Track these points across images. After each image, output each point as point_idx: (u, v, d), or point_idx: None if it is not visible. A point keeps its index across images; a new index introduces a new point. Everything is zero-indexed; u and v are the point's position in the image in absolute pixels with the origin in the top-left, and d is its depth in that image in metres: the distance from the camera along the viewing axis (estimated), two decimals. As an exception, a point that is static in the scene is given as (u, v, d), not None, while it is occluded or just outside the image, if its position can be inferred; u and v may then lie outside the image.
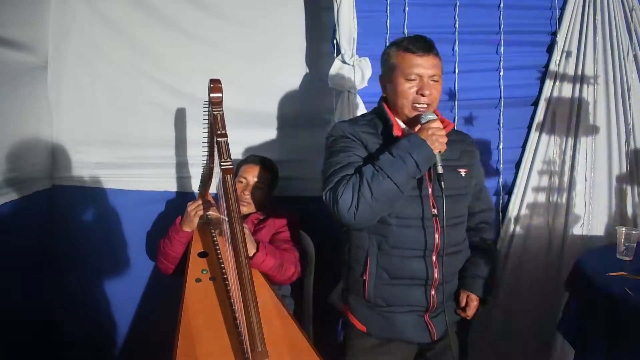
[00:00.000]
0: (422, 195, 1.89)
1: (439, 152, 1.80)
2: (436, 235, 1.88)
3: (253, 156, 2.62)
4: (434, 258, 1.90)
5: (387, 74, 1.95)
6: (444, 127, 1.89)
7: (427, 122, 1.82)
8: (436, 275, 1.90)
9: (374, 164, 1.79)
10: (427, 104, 1.87)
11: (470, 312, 2.02)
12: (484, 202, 2.17)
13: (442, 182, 1.79)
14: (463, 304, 2.03)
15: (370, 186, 1.75)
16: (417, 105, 1.87)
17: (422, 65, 1.86)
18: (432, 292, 1.92)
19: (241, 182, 2.51)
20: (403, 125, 1.95)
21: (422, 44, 1.87)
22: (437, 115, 1.87)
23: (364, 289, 1.96)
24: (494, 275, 2.14)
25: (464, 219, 2.05)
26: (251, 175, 2.51)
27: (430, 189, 1.90)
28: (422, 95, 1.86)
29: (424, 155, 1.76)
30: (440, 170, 1.80)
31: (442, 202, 1.82)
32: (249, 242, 2.07)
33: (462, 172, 1.98)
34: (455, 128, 2.15)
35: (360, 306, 2.04)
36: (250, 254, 2.07)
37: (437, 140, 1.78)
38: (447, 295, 1.96)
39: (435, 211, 1.89)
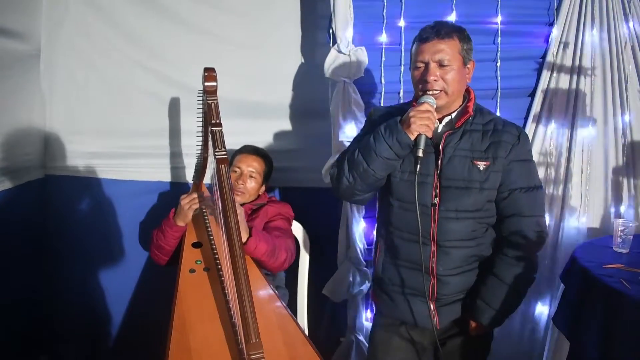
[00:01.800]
0: (424, 182, 1.87)
1: (422, 135, 1.78)
2: (433, 225, 1.88)
3: (247, 146, 2.60)
4: (433, 247, 1.90)
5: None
6: (463, 115, 1.91)
7: (418, 104, 1.82)
8: (434, 265, 1.90)
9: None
10: (438, 90, 1.84)
11: (471, 332, 1.98)
12: (515, 206, 1.93)
13: (419, 166, 1.79)
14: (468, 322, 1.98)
15: (348, 163, 1.88)
16: (428, 92, 1.85)
17: (426, 51, 1.84)
18: (433, 281, 1.92)
19: (235, 171, 2.50)
20: None
21: (430, 30, 1.85)
22: (442, 101, 1.86)
23: (375, 266, 2.06)
24: (511, 302, 1.94)
25: (477, 215, 1.91)
26: (245, 165, 2.50)
27: (436, 178, 1.88)
28: (426, 81, 1.84)
29: (395, 138, 1.78)
30: (419, 153, 1.78)
31: (415, 189, 1.80)
32: (243, 227, 2.06)
33: (481, 164, 1.88)
34: (502, 118, 2.02)
35: (376, 283, 2.11)
36: (243, 240, 2.06)
37: (414, 122, 1.76)
38: (454, 288, 1.94)
39: (436, 200, 1.87)
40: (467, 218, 1.90)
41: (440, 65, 1.83)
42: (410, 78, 1.95)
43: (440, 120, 1.93)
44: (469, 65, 1.92)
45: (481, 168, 1.88)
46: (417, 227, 1.84)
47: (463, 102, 1.96)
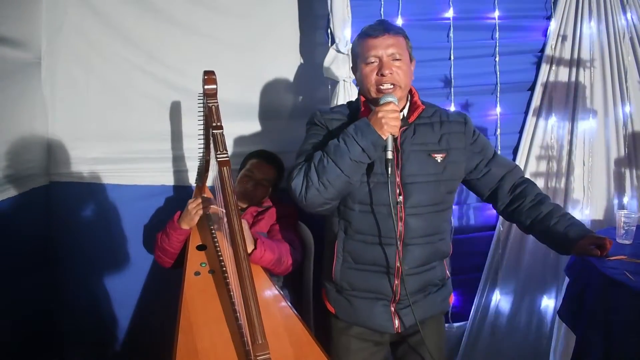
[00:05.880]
0: (386, 182, 1.80)
1: (392, 135, 1.76)
2: (400, 224, 1.84)
3: (263, 152, 2.61)
4: (399, 246, 1.85)
5: (354, 64, 1.96)
6: (415, 110, 1.89)
7: (382, 104, 1.78)
8: (399, 264, 1.86)
9: (323, 149, 1.82)
10: (392, 84, 1.83)
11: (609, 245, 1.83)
12: (503, 166, 2.02)
13: (389, 168, 1.76)
14: (596, 247, 1.82)
15: (317, 170, 1.79)
16: (382, 87, 1.83)
17: (378, 46, 1.83)
18: (396, 282, 1.88)
19: (248, 176, 2.50)
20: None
21: (378, 26, 1.86)
22: (396, 97, 1.82)
23: (332, 271, 1.97)
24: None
25: (444, 207, 1.94)
26: (259, 171, 2.51)
27: (398, 176, 1.84)
28: (382, 75, 1.82)
29: (369, 140, 1.74)
30: (389, 155, 1.76)
31: (388, 191, 1.77)
32: (247, 239, 2.05)
33: (438, 157, 1.89)
34: (448, 109, 2.07)
35: (331, 288, 2.04)
36: (248, 251, 2.05)
37: (386, 123, 1.73)
38: (417, 286, 1.92)
39: (400, 198, 1.84)
40: (429, 212, 1.89)
41: (393, 59, 1.83)
42: (360, 77, 1.90)
43: None
44: (412, 64, 1.93)
45: (439, 160, 1.88)
46: (382, 228, 1.85)
47: (406, 99, 1.95)
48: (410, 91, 1.96)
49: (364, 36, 1.87)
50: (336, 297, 2.02)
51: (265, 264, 2.13)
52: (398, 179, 1.85)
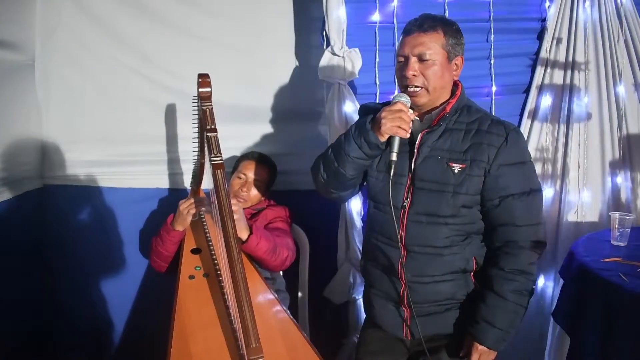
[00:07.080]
0: (398, 183, 1.80)
1: (396, 137, 1.71)
2: (401, 228, 1.80)
3: (254, 153, 2.61)
4: (402, 252, 1.81)
5: None
6: (441, 112, 1.80)
7: (391, 103, 1.74)
8: (400, 269, 1.82)
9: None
10: (419, 86, 1.74)
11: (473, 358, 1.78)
12: (508, 215, 1.76)
13: (392, 169, 1.72)
14: (464, 353, 1.82)
15: (323, 160, 1.88)
16: (408, 87, 1.75)
17: (406, 45, 1.75)
18: (403, 287, 1.83)
19: (240, 178, 2.51)
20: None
21: (414, 22, 1.76)
22: (424, 100, 1.76)
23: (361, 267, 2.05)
24: (514, 318, 1.75)
25: (450, 221, 1.77)
26: (251, 172, 2.51)
27: (408, 180, 1.80)
28: (405, 76, 1.74)
29: (363, 138, 1.74)
30: (393, 157, 1.72)
31: (389, 192, 1.72)
32: (243, 226, 2.08)
33: (457, 167, 1.74)
34: (492, 116, 1.87)
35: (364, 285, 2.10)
36: (244, 238, 2.07)
37: (384, 124, 1.69)
38: (425, 297, 1.82)
39: (407, 202, 1.79)
40: (439, 224, 1.78)
41: (421, 59, 1.73)
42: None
43: (422, 119, 1.84)
44: (456, 62, 1.81)
45: (456, 171, 1.75)
46: (387, 229, 1.82)
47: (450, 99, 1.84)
48: (454, 92, 1.85)
49: (402, 32, 1.80)
50: (364, 294, 2.07)
51: (261, 253, 2.14)
52: (409, 182, 1.81)
